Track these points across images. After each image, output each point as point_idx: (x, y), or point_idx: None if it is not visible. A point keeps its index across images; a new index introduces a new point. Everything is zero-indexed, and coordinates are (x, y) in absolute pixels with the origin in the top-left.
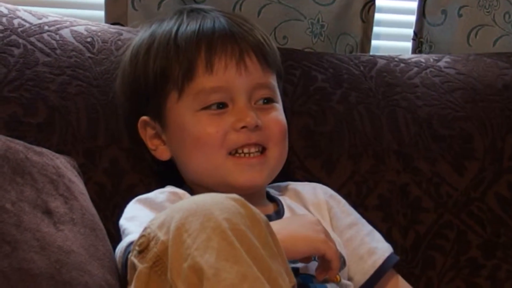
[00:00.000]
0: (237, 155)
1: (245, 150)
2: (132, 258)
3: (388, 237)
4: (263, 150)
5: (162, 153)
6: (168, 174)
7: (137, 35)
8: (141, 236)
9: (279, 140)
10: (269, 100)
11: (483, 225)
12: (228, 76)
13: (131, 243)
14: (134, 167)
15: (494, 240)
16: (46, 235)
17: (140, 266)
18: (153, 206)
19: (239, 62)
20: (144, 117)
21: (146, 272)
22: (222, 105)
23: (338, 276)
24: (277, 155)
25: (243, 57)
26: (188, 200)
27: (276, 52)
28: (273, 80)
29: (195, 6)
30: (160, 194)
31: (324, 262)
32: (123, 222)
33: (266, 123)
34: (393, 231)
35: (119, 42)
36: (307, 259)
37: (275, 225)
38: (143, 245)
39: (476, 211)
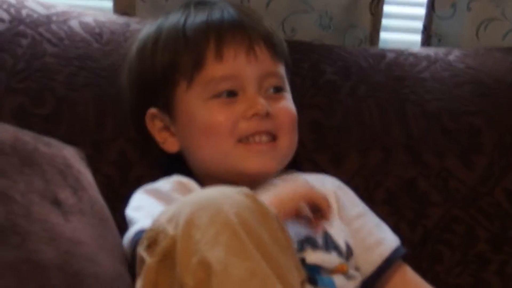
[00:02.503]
0: (247, 141)
1: (256, 138)
2: (141, 251)
3: (395, 231)
4: (273, 138)
5: (171, 145)
6: (176, 166)
7: (143, 29)
8: (150, 229)
9: (289, 129)
10: (278, 89)
11: (491, 220)
12: (238, 64)
13: (138, 232)
14: (142, 159)
15: (502, 235)
16: (55, 226)
17: (148, 260)
18: (159, 195)
19: (249, 51)
20: (153, 110)
21: (154, 266)
22: (232, 94)
23: (345, 266)
24: (288, 144)
25: (253, 46)
26: (197, 194)
27: (284, 43)
28: (282, 70)
29: None
30: (166, 184)
31: (315, 209)
32: (130, 212)
33: (276, 112)
34: (400, 225)
35: (127, 33)
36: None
37: (262, 195)
38: (152, 239)
39: (484, 206)
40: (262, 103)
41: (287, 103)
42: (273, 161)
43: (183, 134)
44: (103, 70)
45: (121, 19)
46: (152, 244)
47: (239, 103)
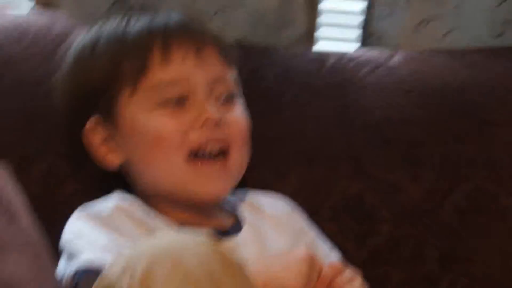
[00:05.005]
0: (198, 158)
1: (207, 149)
2: None
3: (342, 250)
4: (224, 153)
5: (112, 160)
6: (113, 181)
7: (79, 36)
8: (101, 280)
9: (241, 142)
10: (231, 97)
11: (440, 237)
12: (186, 68)
13: (81, 267)
14: (73, 174)
15: (451, 253)
16: None
17: None
18: (99, 220)
19: (198, 54)
20: (92, 122)
21: None
22: (180, 102)
23: None
24: (240, 160)
25: (202, 49)
26: (153, 241)
27: (234, 49)
28: (233, 75)
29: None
30: (106, 205)
31: None
32: (68, 241)
33: (228, 121)
34: (348, 243)
35: (52, 32)
36: None
37: (255, 265)
38: None
39: (432, 222)
40: (213, 110)
41: (240, 113)
42: (226, 185)
43: (128, 147)
44: (28, 76)
45: (44, 16)
46: None
47: (188, 111)
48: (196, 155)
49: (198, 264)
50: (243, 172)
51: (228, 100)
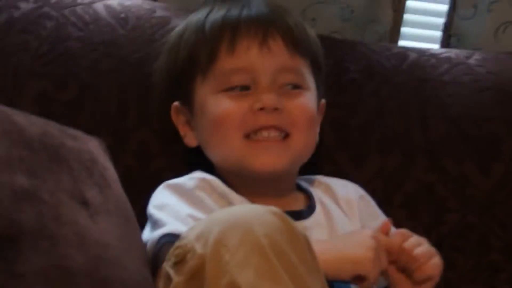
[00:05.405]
0: (255, 137)
1: (264, 134)
2: (167, 268)
3: None
4: (286, 136)
5: (190, 140)
6: (198, 160)
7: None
8: (177, 246)
9: (303, 127)
10: (296, 86)
11: (506, 228)
12: (250, 57)
13: (164, 236)
14: (164, 150)
15: None
16: (84, 228)
17: (176, 279)
18: (182, 193)
19: (262, 44)
20: (176, 103)
21: (182, 285)
22: (245, 88)
23: None
24: (301, 142)
25: (267, 39)
26: (226, 212)
27: (311, 41)
28: (302, 67)
29: None
30: (189, 181)
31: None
32: (153, 211)
33: (290, 108)
34: (417, 230)
35: (153, 20)
36: (357, 280)
37: (323, 244)
38: (180, 256)
39: (499, 214)
40: (270, 97)
41: (304, 100)
42: (281, 158)
43: (199, 128)
44: (128, 57)
45: (147, 5)
46: (179, 262)
47: (249, 96)
48: (252, 136)
49: (264, 234)
50: (307, 153)
51: (294, 89)
